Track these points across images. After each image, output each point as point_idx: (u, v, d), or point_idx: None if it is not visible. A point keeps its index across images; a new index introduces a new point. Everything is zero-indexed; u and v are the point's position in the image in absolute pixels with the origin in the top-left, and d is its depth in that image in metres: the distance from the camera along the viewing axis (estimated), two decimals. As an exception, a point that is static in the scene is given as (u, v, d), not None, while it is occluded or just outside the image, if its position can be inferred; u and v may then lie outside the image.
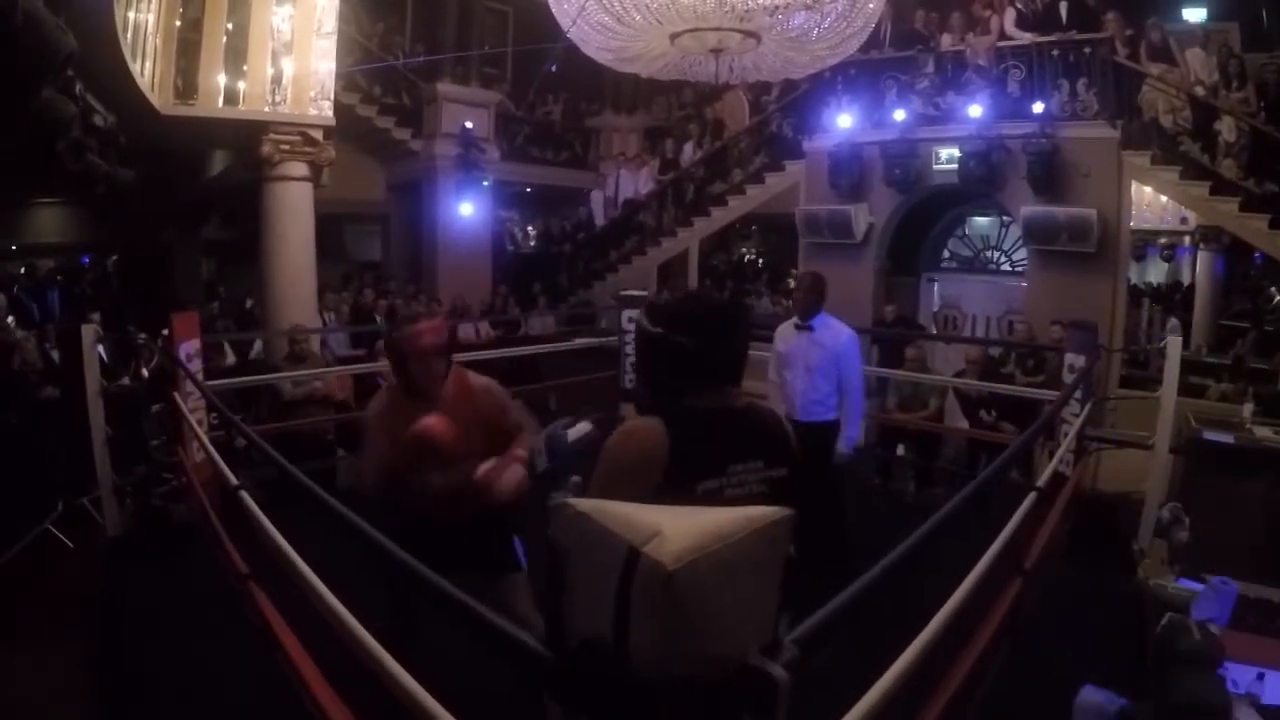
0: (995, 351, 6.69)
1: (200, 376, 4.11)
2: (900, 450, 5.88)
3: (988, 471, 2.27)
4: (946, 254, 10.11)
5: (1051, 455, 3.72)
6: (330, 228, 9.80)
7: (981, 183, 7.86)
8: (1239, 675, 2.37)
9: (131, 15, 4.91)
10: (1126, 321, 8.17)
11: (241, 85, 6.22)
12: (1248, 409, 4.43)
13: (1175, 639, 2.44)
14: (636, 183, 11.23)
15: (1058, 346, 5.16)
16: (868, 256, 8.70)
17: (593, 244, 11.40)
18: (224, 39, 6.15)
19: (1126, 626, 2.87)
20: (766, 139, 9.80)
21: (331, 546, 1.89)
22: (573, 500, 0.95)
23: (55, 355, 5.36)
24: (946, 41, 8.18)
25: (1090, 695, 2.42)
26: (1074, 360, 4.17)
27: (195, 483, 3.60)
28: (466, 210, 10.06)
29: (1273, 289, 10.96)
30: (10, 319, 6.63)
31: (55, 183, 9.49)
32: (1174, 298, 11.07)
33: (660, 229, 10.55)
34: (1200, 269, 10.48)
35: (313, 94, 6.48)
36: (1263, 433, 4.03)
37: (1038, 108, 7.39)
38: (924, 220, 9.36)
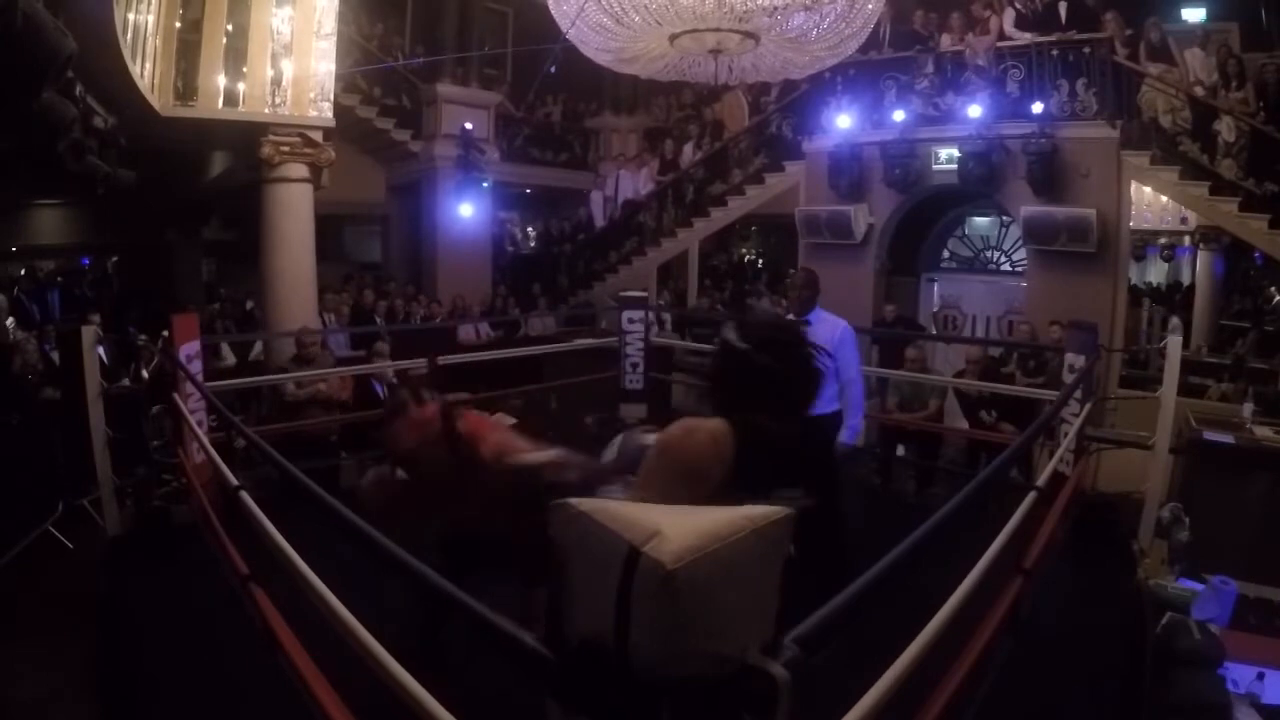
0: (996, 352, 6.69)
1: (200, 378, 4.11)
2: (900, 450, 5.88)
3: (988, 471, 2.27)
4: (946, 254, 10.12)
5: (1051, 455, 3.72)
6: (330, 229, 9.82)
7: (981, 183, 7.87)
8: (1239, 675, 2.37)
9: (131, 17, 4.91)
10: (1127, 321, 8.17)
11: (241, 87, 6.22)
12: (1248, 409, 4.43)
13: (1175, 639, 2.44)
14: (636, 183, 11.23)
15: (1058, 346, 5.16)
16: (868, 257, 8.70)
17: (592, 245, 11.40)
18: (224, 40, 6.15)
19: (1126, 626, 2.87)
20: (766, 139, 9.81)
21: (332, 547, 1.89)
22: (573, 500, 0.95)
23: (55, 356, 5.37)
24: (946, 42, 8.19)
25: None
26: (1074, 360, 4.17)
27: (195, 483, 3.60)
28: (466, 211, 10.06)
29: (1273, 289, 10.97)
30: (11, 320, 6.63)
31: (56, 184, 9.48)
32: (1174, 298, 11.07)
33: (660, 230, 10.56)
34: (1200, 269, 10.48)
35: (312, 95, 6.49)
36: (1263, 433, 4.03)
37: (1037, 108, 7.40)
38: (924, 220, 9.37)
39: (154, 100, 5.66)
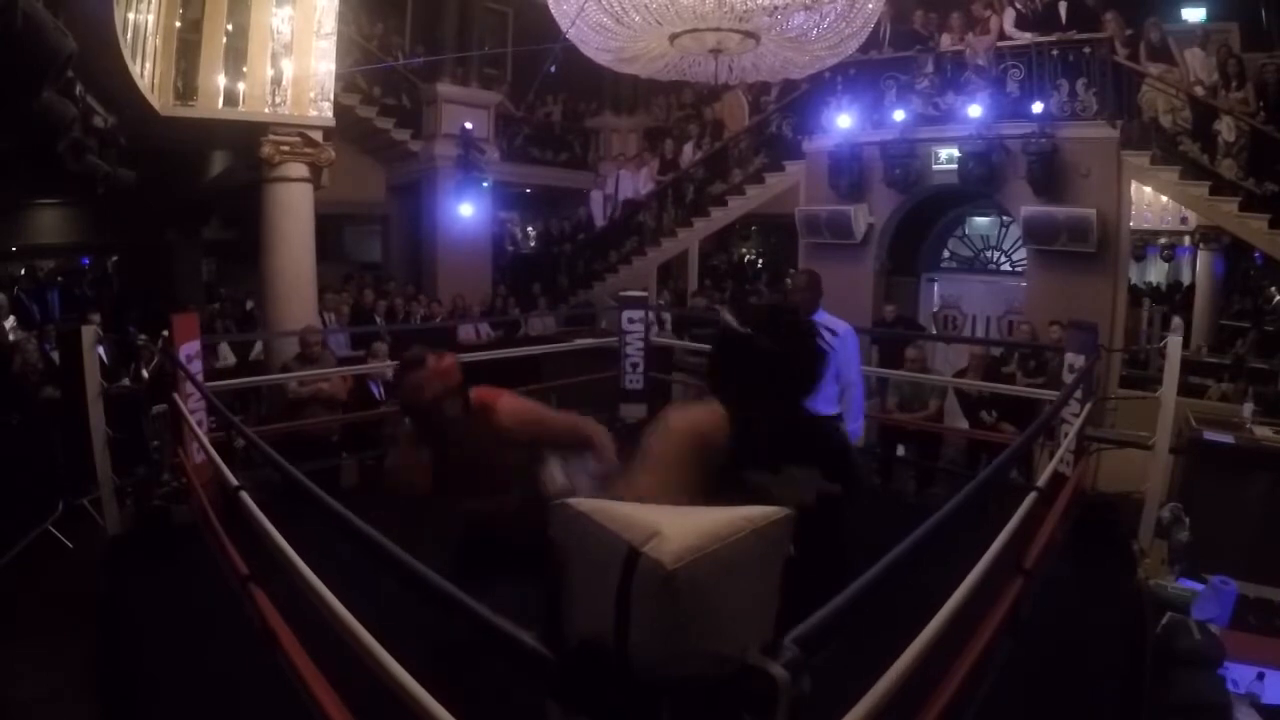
0: (996, 352, 6.69)
1: (200, 378, 4.11)
2: (900, 450, 5.89)
3: (988, 471, 2.28)
4: (946, 254, 10.12)
5: (1051, 455, 3.72)
6: (330, 228, 9.82)
7: (981, 183, 7.87)
8: (1239, 675, 2.37)
9: (131, 16, 4.91)
10: (1127, 321, 8.17)
11: (241, 86, 6.22)
12: (1248, 409, 4.43)
13: (1175, 639, 2.44)
14: (636, 183, 11.24)
15: (1058, 346, 5.16)
16: (868, 256, 8.70)
17: (592, 245, 11.40)
18: (224, 40, 6.15)
19: (1126, 626, 2.87)
20: (766, 139, 9.81)
21: (332, 547, 1.89)
22: (572, 501, 0.95)
23: (55, 356, 5.37)
24: (946, 41, 8.19)
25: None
26: (1074, 360, 4.17)
27: (196, 483, 3.60)
28: (466, 211, 10.06)
29: (1273, 289, 10.97)
30: (11, 319, 6.63)
31: (55, 184, 9.49)
32: (1174, 298, 11.07)
33: (660, 229, 10.56)
34: (1200, 269, 10.48)
35: (312, 95, 6.49)
36: (1263, 433, 4.03)
37: (1037, 108, 7.40)
38: (924, 220, 9.37)
39: (154, 100, 5.66)
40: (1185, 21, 8.70)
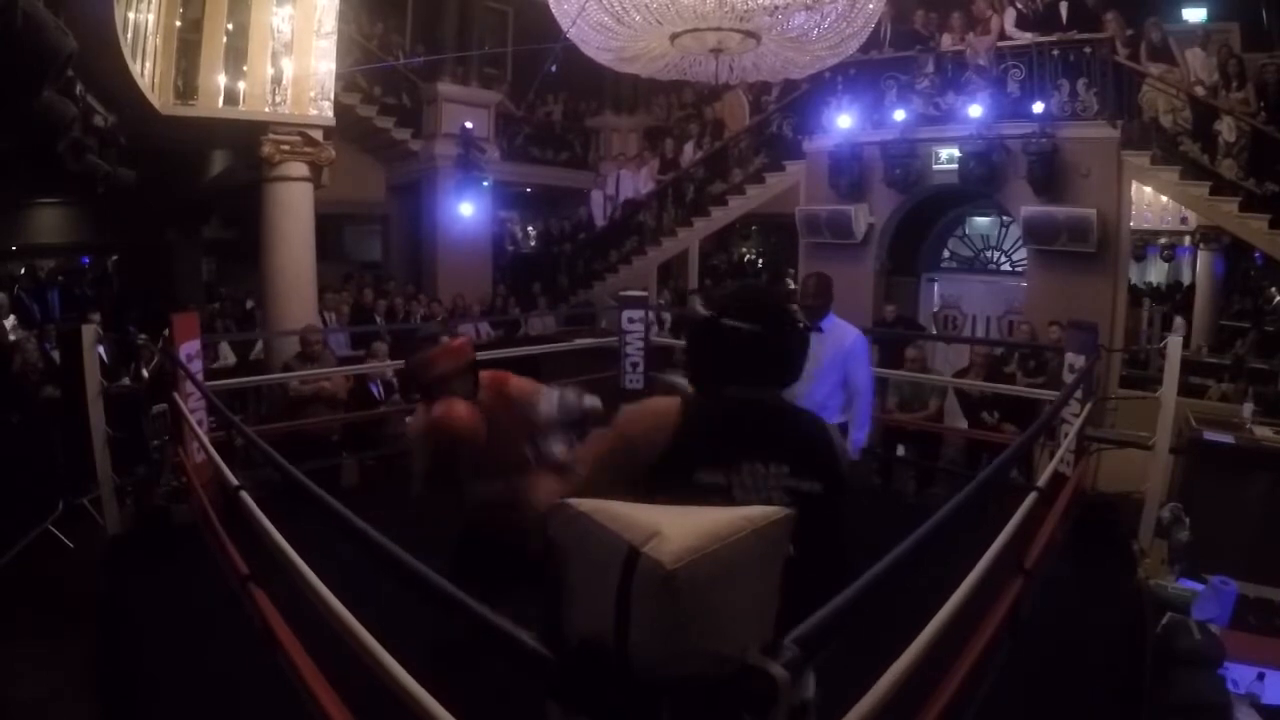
0: (997, 351, 6.69)
1: (201, 377, 4.11)
2: (900, 450, 5.88)
3: (988, 471, 2.27)
4: (946, 254, 10.11)
5: (1052, 455, 3.72)
6: (330, 228, 9.82)
7: (981, 183, 7.86)
8: (1239, 675, 2.37)
9: (131, 16, 4.91)
10: (1127, 321, 8.17)
11: (241, 85, 6.22)
12: (1248, 409, 4.43)
13: (1175, 639, 2.44)
14: (636, 183, 11.24)
15: (1058, 346, 5.16)
16: (868, 256, 8.70)
17: (593, 244, 11.40)
18: (224, 39, 6.15)
19: (1126, 626, 2.87)
20: (766, 139, 9.80)
21: (332, 547, 1.89)
22: (573, 501, 0.95)
23: (55, 355, 5.36)
24: (946, 41, 8.18)
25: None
26: (1074, 360, 4.17)
27: (196, 483, 3.61)
28: (466, 210, 10.06)
29: (1273, 289, 10.97)
30: (11, 318, 6.63)
31: (56, 183, 9.50)
32: (1174, 298, 11.08)
33: (660, 229, 10.55)
34: (1200, 269, 10.49)
35: (313, 94, 6.48)
36: (1263, 433, 4.03)
37: (1038, 108, 7.39)
38: (924, 220, 9.36)
39: (154, 99, 5.66)
40: (1186, 21, 8.70)
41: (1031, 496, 2.55)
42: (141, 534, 3.93)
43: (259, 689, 2.21)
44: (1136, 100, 7.22)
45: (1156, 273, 12.23)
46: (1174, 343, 4.03)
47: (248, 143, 6.46)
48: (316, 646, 1.95)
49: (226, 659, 2.63)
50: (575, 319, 10.16)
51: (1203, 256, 10.35)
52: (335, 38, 6.60)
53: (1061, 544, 3.32)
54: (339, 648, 1.63)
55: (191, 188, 9.39)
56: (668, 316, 8.85)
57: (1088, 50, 7.34)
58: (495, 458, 2.27)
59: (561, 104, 12.01)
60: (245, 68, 6.21)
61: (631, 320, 6.10)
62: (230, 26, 6.16)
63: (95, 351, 3.89)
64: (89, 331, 3.85)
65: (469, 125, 9.82)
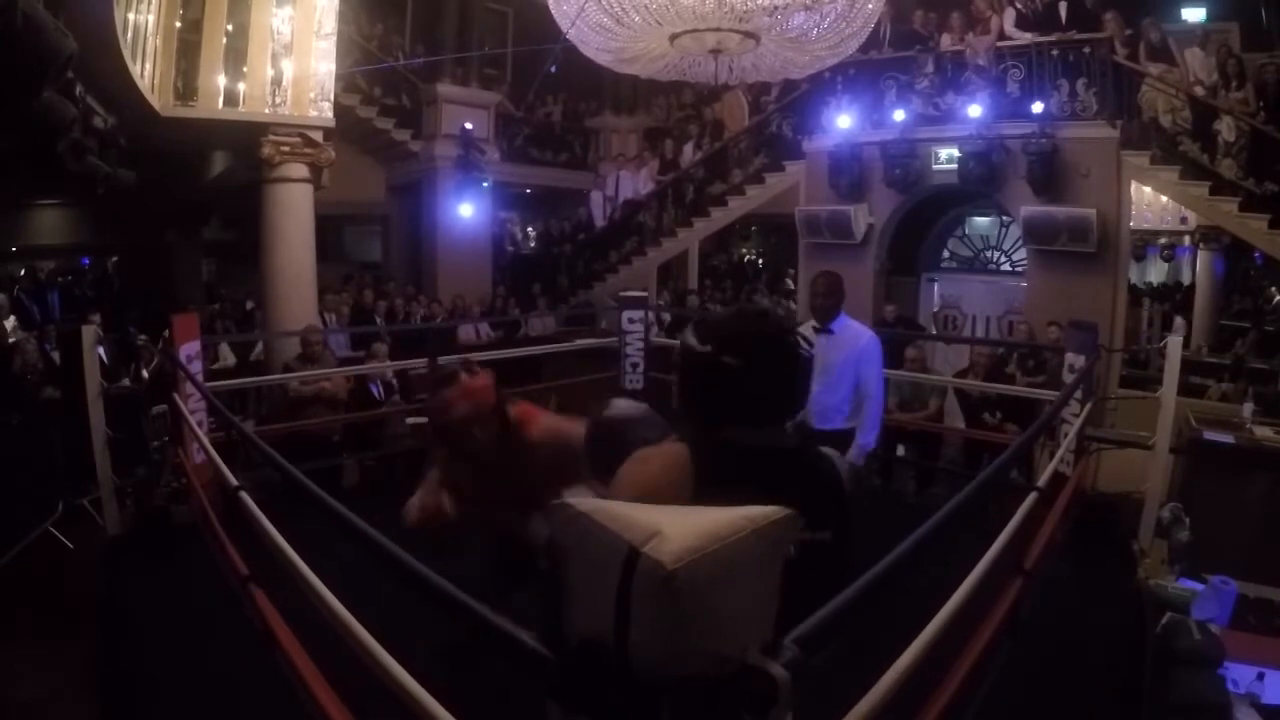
0: (998, 351, 6.69)
1: (201, 378, 4.11)
2: (900, 450, 5.88)
3: (988, 471, 2.27)
4: (946, 254, 10.11)
5: (1052, 455, 3.72)
6: (330, 229, 9.82)
7: (981, 183, 7.87)
8: (1239, 675, 2.37)
9: (131, 16, 4.91)
10: (1127, 321, 8.17)
11: (241, 87, 6.23)
12: (1248, 409, 4.43)
13: (1175, 639, 2.44)
14: (636, 183, 11.24)
15: (1057, 346, 5.16)
16: (868, 256, 8.70)
17: (592, 245, 11.41)
18: (224, 40, 6.16)
19: (1126, 626, 2.87)
20: (766, 139, 9.81)
21: (332, 547, 1.89)
22: (572, 501, 0.95)
23: (55, 356, 5.36)
24: (946, 41, 8.19)
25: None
26: (1074, 360, 4.17)
27: (196, 484, 3.61)
28: (466, 211, 10.06)
29: (1273, 289, 10.97)
30: (12, 318, 6.64)
31: (56, 184, 9.49)
32: (1174, 298, 11.07)
33: (660, 230, 10.56)
34: (1200, 269, 10.49)
35: (312, 95, 6.49)
36: (1263, 433, 4.03)
37: (1037, 108, 7.40)
38: (924, 220, 9.37)
39: (154, 100, 5.66)
40: (1185, 21, 8.70)
41: (1031, 496, 2.54)
42: (141, 534, 3.93)
43: (259, 689, 2.21)
44: (1136, 100, 7.22)
45: (1156, 273, 12.22)
46: (1174, 343, 4.03)
47: (248, 144, 6.46)
48: (316, 646, 1.95)
49: (226, 659, 2.63)
50: (575, 319, 10.16)
51: (1203, 256, 10.35)
52: (335, 39, 6.60)
53: (1061, 544, 3.32)
54: (339, 648, 1.63)
55: (191, 189, 9.39)
56: (667, 317, 8.85)
57: (1087, 50, 7.35)
58: (513, 500, 2.09)
59: (561, 104, 12.02)
60: (245, 69, 6.21)
61: (631, 321, 6.10)
62: (230, 27, 6.17)
63: (95, 352, 3.89)
64: (89, 332, 3.85)
65: (469, 126, 9.82)
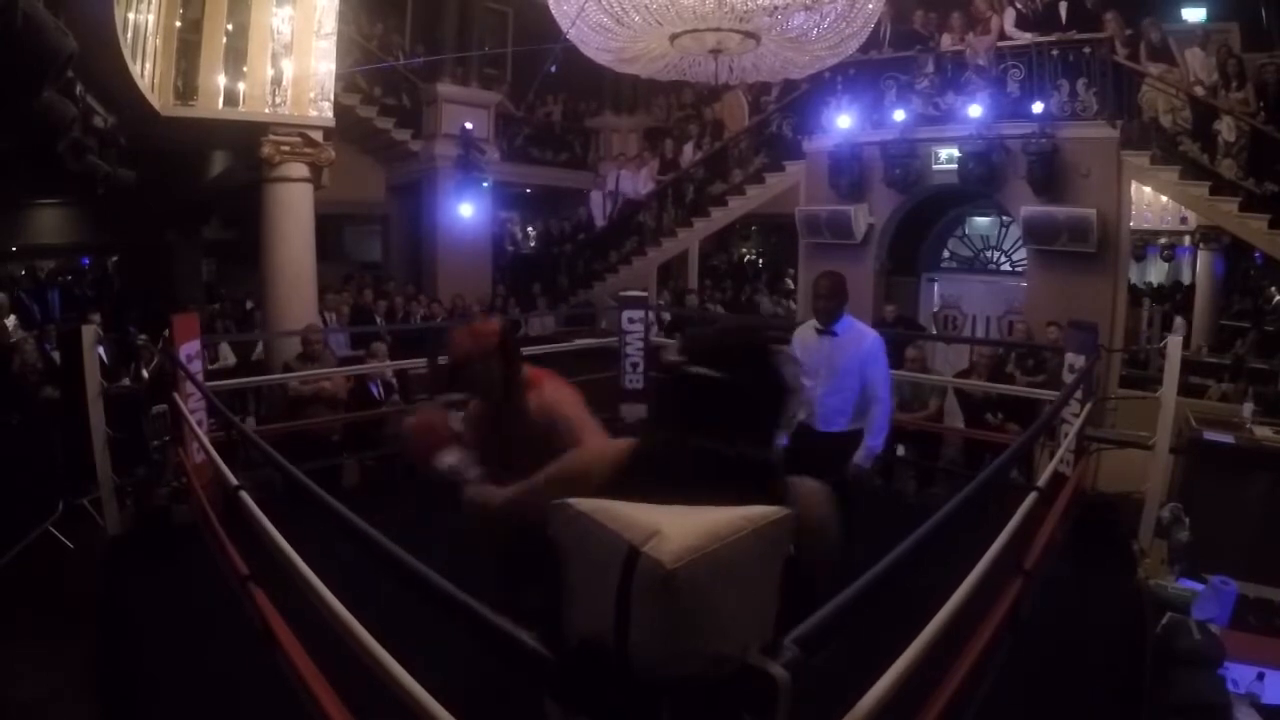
0: (999, 352, 6.69)
1: (201, 377, 4.11)
2: (900, 450, 5.88)
3: (988, 471, 2.27)
4: (946, 254, 10.11)
5: (1052, 455, 3.72)
6: (330, 228, 9.83)
7: (981, 183, 7.86)
8: (1239, 675, 2.37)
9: (131, 16, 4.91)
10: (1127, 321, 8.17)
11: (241, 86, 6.23)
12: (1248, 409, 4.43)
13: (1175, 639, 2.44)
14: (636, 183, 11.24)
15: (1057, 346, 5.16)
16: (868, 257, 8.70)
17: (592, 245, 11.41)
18: (224, 40, 6.16)
19: (1126, 626, 2.87)
20: (766, 139, 9.80)
21: (332, 547, 1.89)
22: (572, 501, 0.95)
23: (55, 356, 5.36)
24: (946, 41, 8.19)
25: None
26: (1074, 360, 4.17)
27: (196, 483, 3.61)
28: (466, 211, 10.07)
29: (1273, 289, 10.96)
30: (12, 317, 6.64)
31: (56, 183, 9.50)
32: (1174, 298, 11.07)
33: (660, 229, 10.56)
34: (1200, 269, 10.49)
35: (312, 95, 6.49)
36: (1263, 433, 4.02)
37: (1037, 108, 7.39)
38: (924, 220, 9.37)
39: (154, 100, 5.66)
40: (1185, 21, 8.70)
41: (1031, 496, 2.54)
42: (141, 534, 3.93)
43: (259, 689, 2.21)
44: (1136, 100, 7.22)
45: (1156, 273, 12.22)
46: (1174, 343, 4.03)
47: (248, 143, 6.46)
48: (316, 646, 1.95)
49: (226, 659, 2.63)
50: (575, 319, 10.16)
51: (1203, 256, 10.35)
52: (335, 38, 6.60)
53: (1061, 544, 3.32)
54: (339, 648, 1.63)
55: (191, 188, 9.39)
56: (667, 317, 8.85)
57: (1087, 50, 7.35)
58: (513, 460, 2.12)
59: (561, 104, 12.02)
60: (245, 68, 6.21)
61: (631, 320, 6.10)
62: (230, 27, 6.17)
63: (95, 352, 3.89)
64: (89, 332, 3.85)
65: (469, 126, 9.82)
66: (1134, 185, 7.67)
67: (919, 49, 8.26)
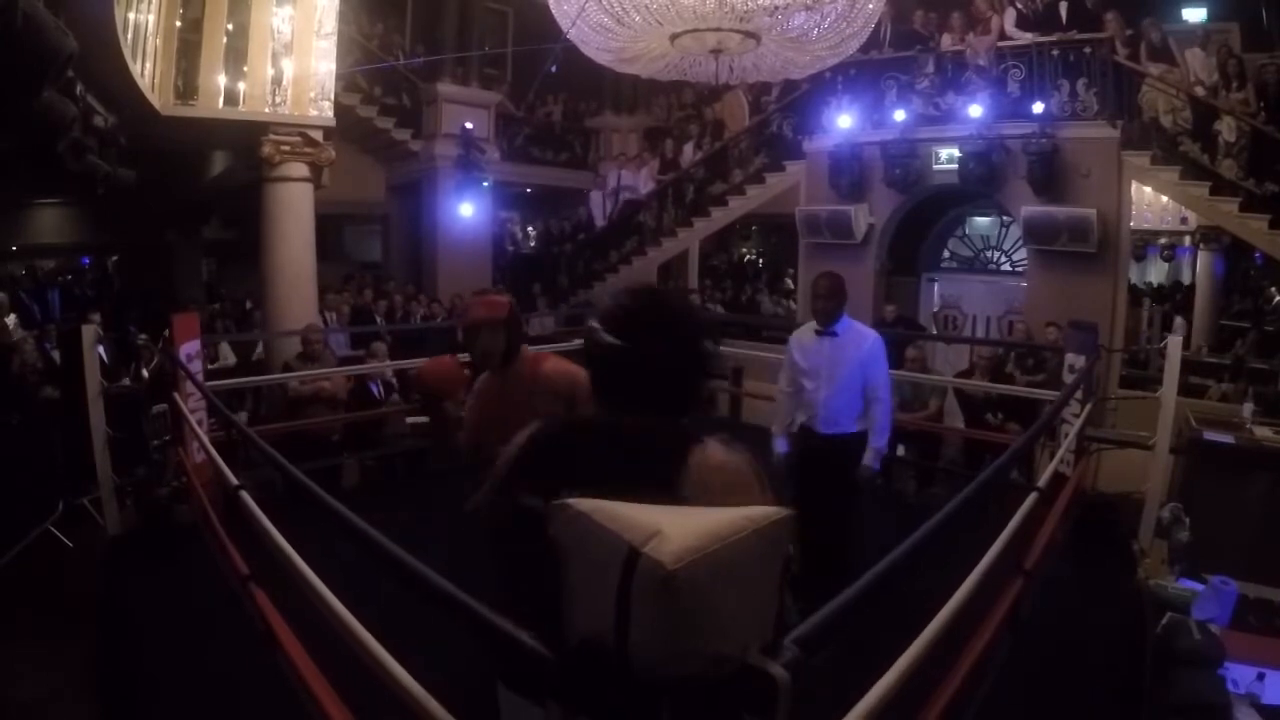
0: (1000, 352, 6.69)
1: (201, 377, 4.11)
2: (900, 450, 5.88)
3: (988, 471, 2.27)
4: (946, 254, 10.11)
5: (1052, 455, 3.72)
6: (330, 228, 9.83)
7: (981, 183, 7.86)
8: (1239, 675, 2.37)
9: (132, 16, 4.91)
10: (1127, 321, 8.17)
11: (242, 86, 6.23)
12: (1248, 409, 4.42)
13: (1175, 639, 2.44)
14: (636, 183, 11.24)
15: (1057, 346, 5.16)
16: (868, 257, 8.70)
17: (593, 244, 11.41)
18: (224, 40, 6.16)
19: (1126, 626, 2.87)
20: (766, 139, 9.80)
21: (332, 547, 1.89)
22: (572, 501, 0.95)
23: (56, 356, 5.36)
24: (946, 41, 8.19)
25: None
26: (1074, 360, 4.17)
27: (196, 483, 3.61)
28: (466, 211, 10.06)
29: (1273, 289, 10.96)
30: (12, 316, 6.64)
31: (56, 183, 9.51)
32: (1174, 298, 11.07)
33: (660, 229, 10.56)
34: (1200, 269, 10.48)
35: (313, 95, 6.49)
36: (1263, 433, 4.02)
37: (1038, 108, 7.39)
38: (924, 220, 9.37)
39: (154, 100, 5.66)
40: (1185, 21, 8.70)
41: (1032, 497, 2.55)
42: (141, 534, 3.93)
43: (259, 689, 2.21)
44: (1136, 100, 7.22)
45: (1156, 273, 12.22)
46: (1174, 343, 4.03)
47: (248, 143, 6.46)
48: (316, 646, 1.95)
49: (226, 659, 2.64)
50: (575, 319, 10.15)
51: (1203, 256, 10.34)
52: (335, 38, 6.60)
53: (1061, 544, 3.32)
54: (339, 648, 1.63)
55: (191, 188, 9.40)
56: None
57: (1088, 50, 7.34)
58: (500, 423, 2.29)
59: (561, 104, 12.02)
60: (245, 68, 6.21)
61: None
62: (230, 27, 6.17)
63: (95, 352, 3.89)
64: (89, 332, 3.85)
65: (469, 125, 9.82)
66: (1134, 185, 7.66)
67: (919, 49, 8.26)
